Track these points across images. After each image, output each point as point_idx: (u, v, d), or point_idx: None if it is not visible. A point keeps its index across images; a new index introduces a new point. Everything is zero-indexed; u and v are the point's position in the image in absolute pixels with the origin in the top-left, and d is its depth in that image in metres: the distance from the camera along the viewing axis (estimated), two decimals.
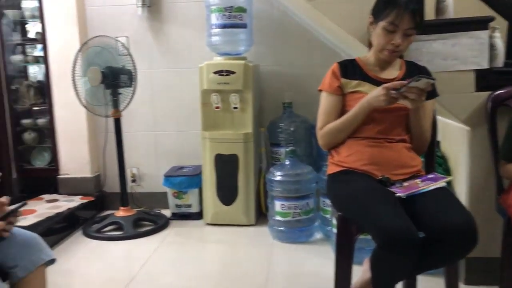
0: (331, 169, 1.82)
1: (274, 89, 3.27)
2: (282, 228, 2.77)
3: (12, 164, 3.47)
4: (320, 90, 1.87)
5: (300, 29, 3.18)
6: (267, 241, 2.81)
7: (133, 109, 3.13)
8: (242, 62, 2.92)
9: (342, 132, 1.79)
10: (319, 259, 2.54)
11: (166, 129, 3.42)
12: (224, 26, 2.91)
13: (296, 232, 2.76)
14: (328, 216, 2.71)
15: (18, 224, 1.47)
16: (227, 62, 2.95)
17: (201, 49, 3.17)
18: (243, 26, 2.94)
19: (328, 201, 2.67)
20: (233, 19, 2.89)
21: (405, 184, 1.65)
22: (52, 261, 1.49)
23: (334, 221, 2.43)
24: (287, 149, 2.86)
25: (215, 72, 2.92)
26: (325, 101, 1.84)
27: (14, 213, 1.36)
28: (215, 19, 2.92)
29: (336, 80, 1.81)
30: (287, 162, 2.81)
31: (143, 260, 2.59)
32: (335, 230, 2.39)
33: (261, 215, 3.14)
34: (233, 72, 2.90)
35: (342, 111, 1.82)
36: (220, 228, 3.04)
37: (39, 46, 3.46)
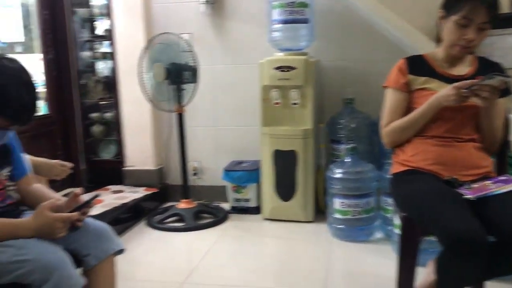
0: (395, 168, 1.78)
1: (335, 84, 3.23)
2: (341, 226, 2.73)
3: (81, 156, 3.66)
4: (385, 87, 1.82)
5: (363, 24, 3.11)
6: (325, 238, 2.79)
7: (195, 104, 3.19)
8: (303, 57, 2.91)
9: (408, 130, 1.74)
10: (380, 259, 2.49)
11: (226, 124, 3.47)
12: (285, 22, 2.90)
13: (356, 230, 2.72)
14: (389, 215, 2.64)
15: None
16: (288, 57, 2.94)
17: (262, 45, 3.18)
18: (305, 21, 2.92)
19: (389, 200, 2.61)
20: (295, 15, 2.88)
21: (474, 185, 1.59)
22: (121, 251, 1.55)
23: (396, 221, 2.38)
24: (348, 146, 2.81)
25: (276, 68, 2.92)
26: (391, 98, 1.79)
27: (88, 204, 1.43)
28: (276, 14, 2.92)
29: (403, 77, 1.77)
30: (348, 160, 2.77)
31: (203, 252, 2.65)
32: (396, 230, 2.36)
33: (319, 212, 3.11)
34: (293, 68, 2.89)
35: (408, 108, 1.77)
36: (278, 224, 3.05)
37: (106, 42, 3.61)
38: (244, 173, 3.21)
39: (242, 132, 3.43)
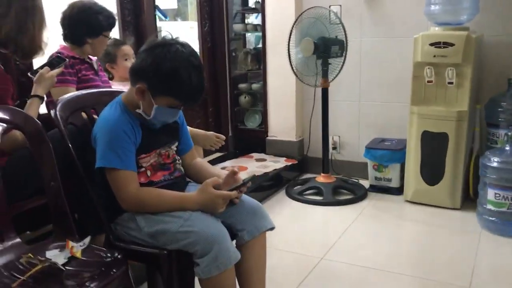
0: None
1: (498, 62, 2.92)
2: (493, 219, 2.53)
3: (229, 124, 3.87)
4: None
5: None
6: (473, 229, 2.61)
7: (339, 78, 3.11)
8: (464, 33, 2.66)
9: None
10: None
11: (371, 100, 3.37)
12: None
13: (511, 225, 2.49)
14: None
15: None
16: (446, 33, 2.72)
17: (416, 18, 2.99)
18: None
19: None
20: None
21: None
22: (271, 229, 1.63)
23: None
24: (510, 132, 2.55)
25: (431, 44, 2.72)
26: None
27: (245, 185, 1.52)
28: None
29: None
30: (508, 148, 2.52)
31: (341, 230, 2.66)
32: None
33: (468, 200, 2.91)
34: (452, 44, 2.67)
35: None
36: (420, 207, 2.92)
37: (255, 14, 3.68)
38: (387, 152, 3.11)
39: (387, 109, 3.31)
